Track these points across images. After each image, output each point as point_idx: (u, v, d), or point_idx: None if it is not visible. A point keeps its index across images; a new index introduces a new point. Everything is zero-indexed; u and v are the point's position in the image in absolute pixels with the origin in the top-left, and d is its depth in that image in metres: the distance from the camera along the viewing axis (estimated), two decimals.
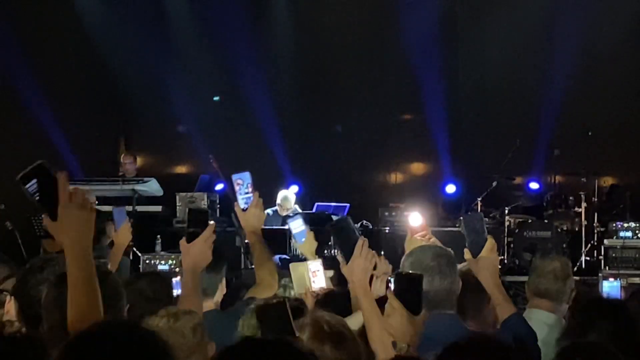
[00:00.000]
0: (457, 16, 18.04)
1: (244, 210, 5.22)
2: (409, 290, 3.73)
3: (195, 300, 4.28)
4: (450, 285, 4.51)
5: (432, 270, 4.44)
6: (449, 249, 4.68)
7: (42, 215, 3.01)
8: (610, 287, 8.93)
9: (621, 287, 9.28)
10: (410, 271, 4.08)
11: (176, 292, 9.18)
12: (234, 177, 5.23)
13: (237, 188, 5.23)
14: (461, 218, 4.41)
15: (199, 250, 4.18)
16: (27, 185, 2.94)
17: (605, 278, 11.19)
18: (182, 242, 4.22)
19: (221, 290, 5.73)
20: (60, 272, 3.78)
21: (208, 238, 4.20)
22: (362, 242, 3.99)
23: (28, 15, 17.66)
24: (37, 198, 2.94)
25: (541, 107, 16.97)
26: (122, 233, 7.22)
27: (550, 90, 16.91)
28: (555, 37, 17.01)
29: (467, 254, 4.39)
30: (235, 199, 5.21)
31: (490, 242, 4.37)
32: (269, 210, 14.88)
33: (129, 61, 17.79)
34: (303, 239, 6.21)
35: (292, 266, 6.00)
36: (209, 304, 5.50)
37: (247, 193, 5.20)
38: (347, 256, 4.02)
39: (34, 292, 4.16)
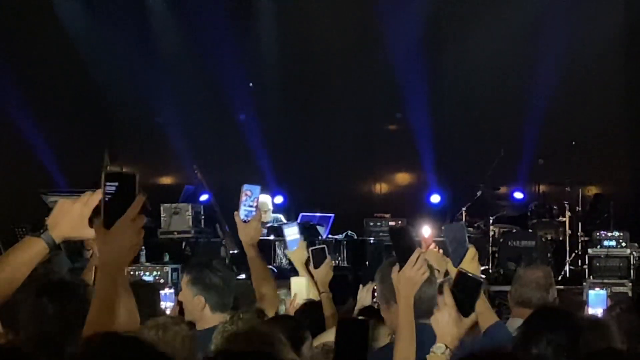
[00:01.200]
0: (442, 26, 18.07)
1: (244, 221, 5.23)
2: (466, 291, 3.68)
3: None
4: (433, 292, 4.52)
5: None
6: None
7: (95, 218, 2.96)
8: (597, 296, 8.93)
9: (607, 296, 9.28)
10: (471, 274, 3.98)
11: (164, 304, 9.15)
12: (245, 187, 5.27)
13: (243, 198, 5.26)
14: (442, 228, 4.38)
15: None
16: (108, 184, 2.91)
17: (591, 287, 11.20)
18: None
19: None
20: (40, 283, 3.77)
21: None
22: (417, 254, 4.00)
23: (12, 27, 17.64)
24: (107, 200, 2.90)
25: (525, 117, 17.00)
26: None
27: (535, 100, 16.95)
28: (540, 46, 17.06)
29: (448, 263, 4.39)
30: (236, 208, 5.21)
31: (471, 252, 4.36)
32: None
33: (114, 73, 17.79)
34: (295, 247, 6.23)
35: (293, 280, 6.08)
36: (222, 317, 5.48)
37: (250, 206, 5.23)
38: (400, 264, 4.03)
39: (14, 302, 4.15)
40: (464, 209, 15.54)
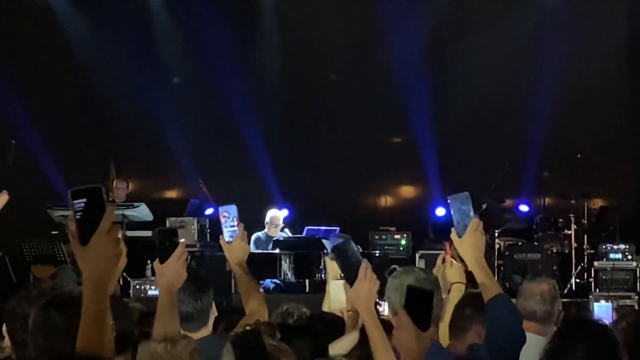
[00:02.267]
0: (445, 39, 18.10)
1: (228, 242, 5.21)
2: (419, 305, 3.67)
3: (171, 321, 4.27)
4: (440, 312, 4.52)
5: None
6: (433, 274, 4.69)
7: (71, 237, 2.98)
8: (602, 309, 8.94)
9: (613, 309, 9.29)
10: (422, 286, 4.00)
11: None
12: (221, 209, 5.23)
13: (222, 220, 5.23)
14: (448, 197, 4.36)
15: (172, 269, 4.15)
16: (76, 201, 2.92)
17: (597, 300, 11.20)
18: (156, 263, 4.21)
19: (213, 314, 5.73)
20: (49, 297, 3.77)
21: (180, 256, 4.17)
22: (365, 265, 3.95)
23: (16, 41, 17.69)
24: (78, 217, 2.92)
25: (530, 130, 17.00)
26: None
27: (539, 112, 16.96)
28: (543, 58, 17.07)
29: (453, 234, 4.37)
30: (221, 231, 5.20)
31: (474, 222, 4.31)
32: (260, 234, 14.88)
33: (119, 87, 17.83)
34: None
35: (332, 283, 6.04)
36: (204, 331, 5.49)
37: (232, 226, 5.19)
38: (350, 279, 3.98)
39: (23, 317, 4.17)
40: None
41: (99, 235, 2.92)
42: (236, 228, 5.18)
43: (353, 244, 4.05)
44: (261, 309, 5.29)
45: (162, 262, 4.20)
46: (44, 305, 3.76)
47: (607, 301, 10.66)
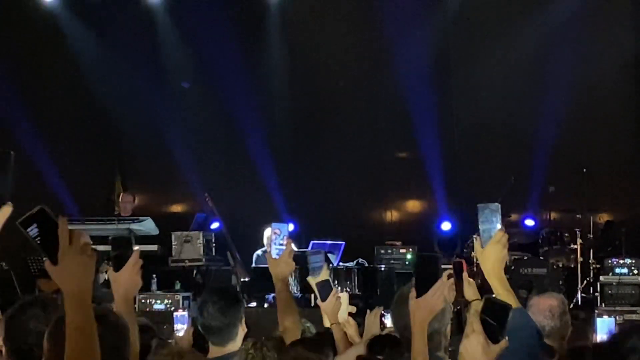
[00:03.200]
0: (451, 54, 18.12)
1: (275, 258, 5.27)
2: (494, 317, 3.65)
3: (132, 327, 4.27)
4: (439, 326, 4.50)
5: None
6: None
7: (44, 259, 3.01)
8: (605, 324, 8.91)
9: (616, 324, 9.25)
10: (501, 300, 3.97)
11: (176, 326, 9.17)
12: (274, 225, 5.37)
13: (273, 237, 5.33)
14: (478, 205, 4.31)
15: (127, 276, 4.12)
16: (28, 230, 2.96)
17: (600, 315, 11.17)
18: (111, 271, 4.22)
19: (242, 330, 5.75)
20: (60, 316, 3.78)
21: (135, 264, 4.14)
22: (440, 285, 4.00)
23: (23, 55, 17.75)
24: (38, 242, 2.95)
25: (535, 144, 16.99)
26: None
27: (545, 126, 16.95)
28: (549, 74, 17.06)
29: (476, 243, 4.33)
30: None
31: (498, 234, 4.24)
32: (259, 252, 14.87)
33: (125, 102, 17.86)
34: (318, 272, 6.23)
35: (344, 295, 6.08)
36: (232, 346, 5.52)
37: (281, 244, 5.26)
38: (420, 290, 4.02)
39: (23, 329, 4.19)
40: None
41: (63, 249, 2.96)
42: (284, 247, 5.24)
43: (439, 260, 4.09)
44: (294, 327, 5.32)
45: (116, 269, 4.20)
46: (57, 319, 3.77)
47: (609, 316, 10.61)
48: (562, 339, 5.89)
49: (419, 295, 4.03)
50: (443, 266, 4.40)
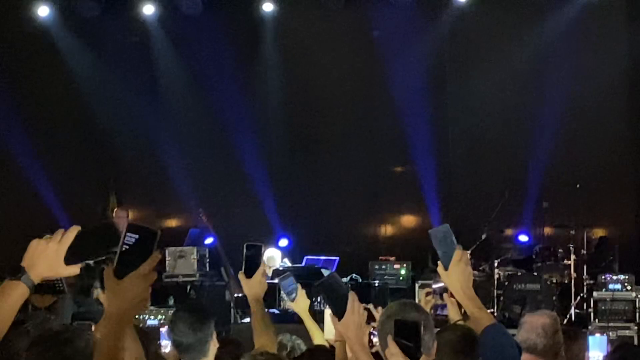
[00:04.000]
0: (446, 69, 18.16)
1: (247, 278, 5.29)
2: (408, 336, 3.68)
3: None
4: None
5: None
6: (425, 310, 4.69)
7: (106, 266, 2.95)
8: (596, 342, 8.92)
9: (608, 341, 9.26)
10: (409, 318, 4.00)
11: (162, 342, 9.18)
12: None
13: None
14: (429, 232, 4.34)
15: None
16: (129, 234, 2.91)
17: (592, 334, 11.18)
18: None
19: (214, 346, 5.75)
20: (41, 331, 3.80)
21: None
22: (352, 297, 3.96)
23: (17, 70, 17.77)
24: (124, 250, 2.90)
25: (530, 160, 17.04)
26: None
27: (539, 142, 16.99)
28: (544, 89, 17.12)
29: (439, 268, 4.35)
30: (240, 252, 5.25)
31: (458, 253, 4.27)
32: None
33: (120, 117, 17.89)
34: (294, 296, 6.22)
35: (327, 312, 6.08)
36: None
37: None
38: (339, 313, 3.99)
39: (13, 346, 4.21)
40: (469, 251, 15.51)
41: (137, 275, 2.90)
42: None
43: (338, 277, 4.06)
44: (270, 345, 5.32)
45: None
46: (37, 339, 3.79)
47: (602, 334, 10.61)
48: (555, 356, 5.89)
49: (339, 316, 4.00)
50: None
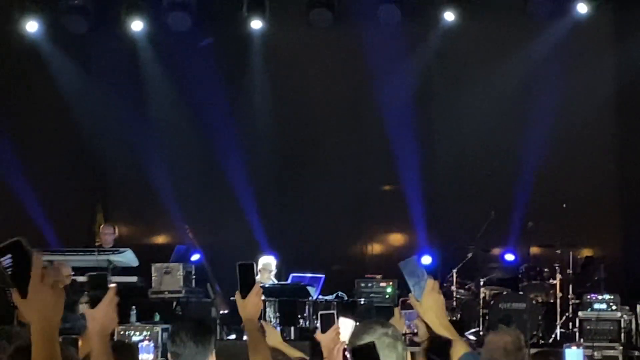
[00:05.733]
0: (433, 89, 18.20)
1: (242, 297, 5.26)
2: (440, 354, 3.76)
3: None
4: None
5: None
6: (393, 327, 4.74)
7: (12, 291, 3.02)
8: (573, 355, 8.98)
9: (584, 356, 9.30)
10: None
11: (141, 356, 9.14)
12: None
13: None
14: (399, 264, 4.41)
15: (103, 313, 4.10)
16: (2, 259, 2.97)
17: (568, 347, 11.20)
18: (86, 309, 4.21)
19: None
20: (18, 344, 3.82)
21: (111, 300, 4.09)
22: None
23: (5, 85, 17.77)
24: (10, 273, 2.96)
25: (516, 179, 17.07)
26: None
27: (526, 162, 17.04)
28: (530, 109, 17.17)
29: (412, 299, 4.40)
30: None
31: (429, 283, 4.32)
32: None
33: (107, 133, 17.90)
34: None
35: (341, 319, 6.15)
36: None
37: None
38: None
39: None
40: (455, 270, 15.56)
41: (33, 284, 2.96)
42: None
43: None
44: None
45: (92, 306, 4.19)
46: (14, 351, 3.81)
47: (578, 347, 10.66)
48: None
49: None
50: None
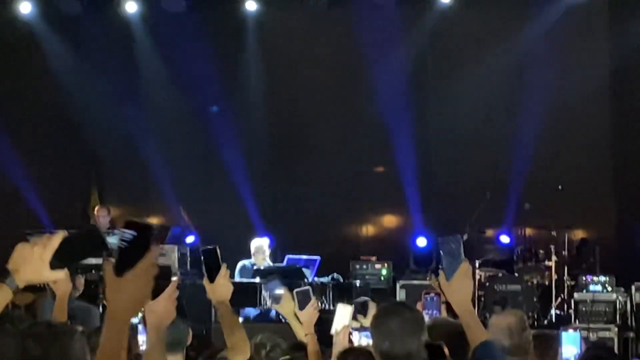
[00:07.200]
0: (427, 71, 18.18)
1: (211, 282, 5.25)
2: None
3: (160, 357, 4.26)
4: (413, 348, 4.56)
5: (393, 335, 4.52)
6: (418, 311, 4.73)
7: (106, 262, 2.91)
8: (570, 338, 8.97)
9: (581, 338, 9.30)
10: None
11: (142, 337, 9.13)
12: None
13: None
14: (439, 239, 4.34)
15: (163, 307, 4.12)
16: (125, 231, 2.88)
17: (565, 330, 11.21)
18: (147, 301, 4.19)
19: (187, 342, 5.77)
20: (27, 325, 3.78)
21: (171, 294, 4.13)
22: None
23: None
24: (122, 247, 2.87)
25: (511, 161, 17.07)
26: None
27: (521, 143, 17.03)
28: (526, 91, 17.16)
29: (441, 277, 4.36)
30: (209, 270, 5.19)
31: (464, 266, 4.26)
32: (246, 262, 14.92)
33: (100, 114, 17.84)
34: (279, 299, 6.27)
35: (340, 305, 6.12)
36: (178, 358, 5.53)
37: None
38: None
39: None
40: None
41: (137, 271, 2.86)
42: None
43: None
44: (242, 344, 5.33)
45: (152, 298, 4.17)
46: (21, 333, 3.76)
47: (575, 330, 10.67)
48: (525, 354, 5.94)
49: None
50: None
